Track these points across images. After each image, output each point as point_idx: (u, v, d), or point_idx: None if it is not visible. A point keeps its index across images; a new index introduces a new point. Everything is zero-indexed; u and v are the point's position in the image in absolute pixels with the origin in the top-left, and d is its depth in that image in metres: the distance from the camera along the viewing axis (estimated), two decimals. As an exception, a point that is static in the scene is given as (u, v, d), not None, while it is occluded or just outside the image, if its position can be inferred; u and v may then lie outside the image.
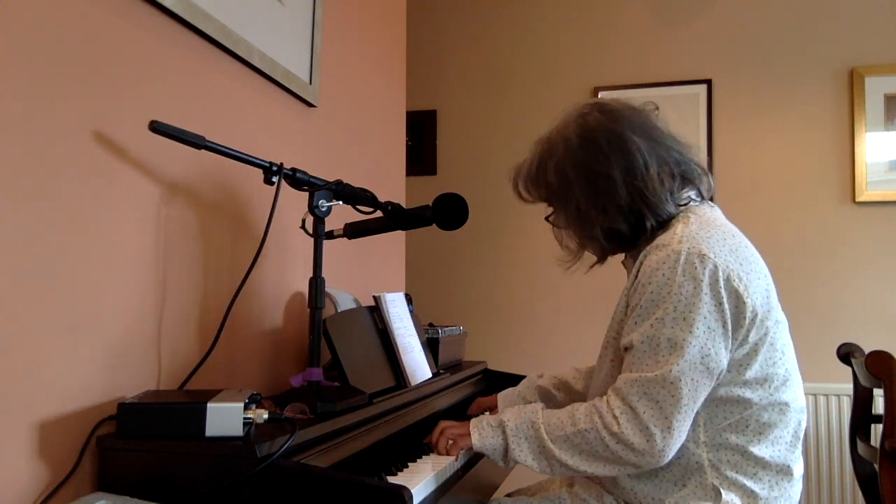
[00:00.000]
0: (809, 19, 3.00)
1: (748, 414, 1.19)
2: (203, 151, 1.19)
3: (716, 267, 1.15)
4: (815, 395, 2.80)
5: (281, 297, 1.62)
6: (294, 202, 1.48)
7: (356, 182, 1.45)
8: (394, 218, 1.46)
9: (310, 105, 1.78)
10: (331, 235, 1.38)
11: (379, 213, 1.45)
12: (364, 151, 2.16)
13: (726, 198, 2.97)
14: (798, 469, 1.24)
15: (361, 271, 2.08)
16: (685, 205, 1.28)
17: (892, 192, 2.90)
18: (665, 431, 1.14)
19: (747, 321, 1.16)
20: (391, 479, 1.11)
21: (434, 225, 1.47)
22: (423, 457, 1.30)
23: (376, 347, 1.55)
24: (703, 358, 1.14)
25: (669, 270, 1.16)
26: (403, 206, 1.49)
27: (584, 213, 1.29)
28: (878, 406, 2.05)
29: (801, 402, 1.25)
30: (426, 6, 3.36)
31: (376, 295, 1.61)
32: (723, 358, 1.15)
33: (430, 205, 1.47)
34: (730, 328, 1.15)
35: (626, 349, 1.22)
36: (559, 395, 1.61)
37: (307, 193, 1.29)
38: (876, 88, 2.92)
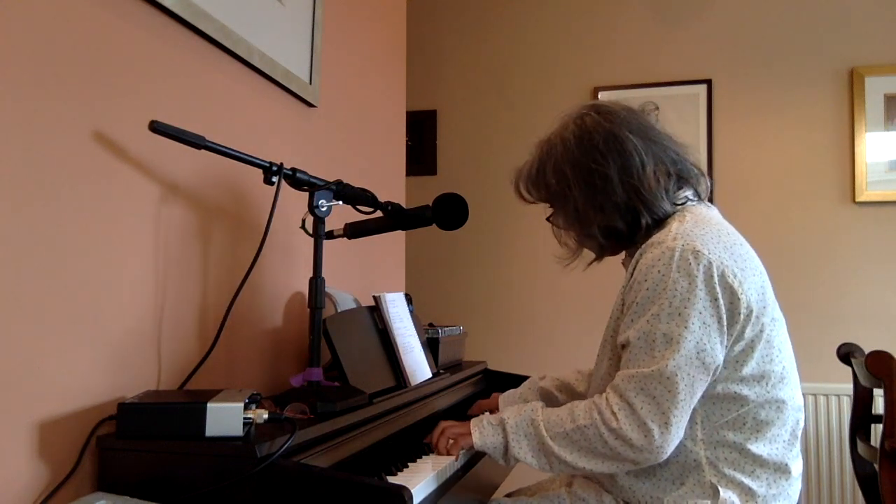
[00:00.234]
0: (809, 19, 3.00)
1: (745, 411, 1.20)
2: (203, 151, 1.19)
3: (710, 263, 1.16)
4: (815, 395, 2.80)
5: (281, 297, 1.62)
6: (294, 202, 1.48)
7: (356, 182, 1.45)
8: (394, 218, 1.46)
9: (310, 105, 1.78)
10: (331, 235, 1.38)
11: (379, 213, 1.45)
12: (364, 151, 2.16)
13: (726, 198, 2.97)
14: (796, 468, 1.24)
15: (361, 271, 2.08)
16: (682, 204, 1.29)
17: (892, 192, 2.90)
18: (663, 427, 1.15)
19: (742, 317, 1.17)
20: (391, 479, 1.11)
21: (434, 225, 1.47)
22: (423, 457, 1.30)
23: (376, 347, 1.55)
24: (698, 353, 1.15)
25: (664, 267, 1.17)
26: (403, 206, 1.49)
27: (583, 212, 1.31)
28: (878, 406, 2.05)
29: (798, 400, 1.26)
30: (426, 6, 3.36)
31: (376, 295, 1.61)
32: (718, 353, 1.16)
33: (430, 205, 1.47)
34: (725, 324, 1.16)
35: (622, 346, 1.23)
36: (561, 397, 1.61)
37: (307, 193, 1.30)
38: (876, 88, 2.92)
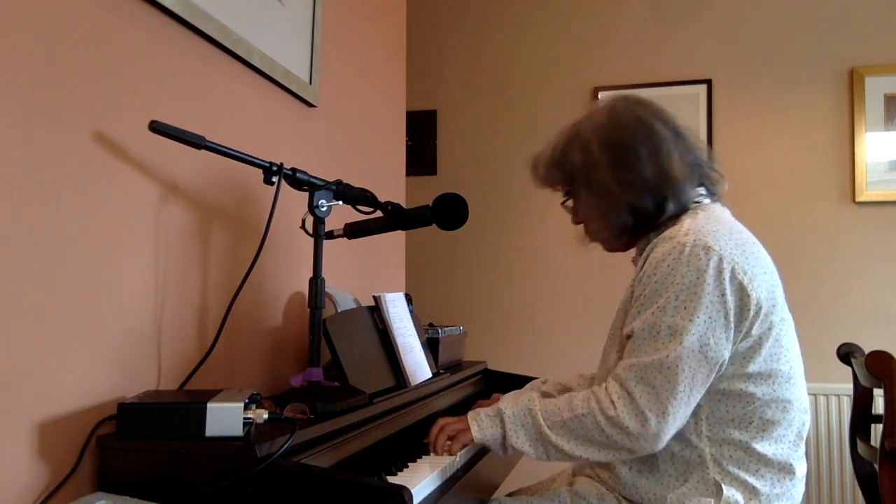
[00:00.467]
0: (809, 19, 3.00)
1: (751, 409, 1.20)
2: (203, 151, 1.18)
3: (720, 259, 1.16)
4: (815, 395, 2.80)
5: (281, 297, 1.62)
6: (294, 202, 1.48)
7: (356, 182, 1.45)
8: (394, 218, 1.46)
9: (310, 105, 1.78)
10: (331, 235, 1.38)
11: (379, 213, 1.45)
12: (364, 151, 2.16)
13: (726, 198, 2.97)
14: (801, 469, 1.24)
15: (361, 271, 2.08)
16: (697, 202, 1.30)
17: (892, 192, 2.90)
18: (660, 416, 1.15)
19: (751, 314, 1.17)
20: (391, 479, 1.11)
21: (434, 225, 1.47)
22: (423, 457, 1.30)
23: (376, 347, 1.55)
24: (701, 346, 1.15)
25: (674, 261, 1.18)
26: (403, 206, 1.49)
27: (610, 189, 1.29)
28: (878, 406, 2.05)
29: (805, 402, 1.26)
30: (426, 6, 3.36)
31: (376, 295, 1.61)
32: (723, 348, 1.16)
33: (430, 205, 1.47)
34: (732, 319, 1.16)
35: (628, 337, 1.23)
36: None
37: (307, 193, 1.30)
38: (876, 88, 2.92)
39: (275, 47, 1.59)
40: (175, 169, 1.27)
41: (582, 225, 1.42)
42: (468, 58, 3.39)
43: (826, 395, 2.81)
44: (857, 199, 2.91)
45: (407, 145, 2.65)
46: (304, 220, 1.34)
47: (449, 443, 1.32)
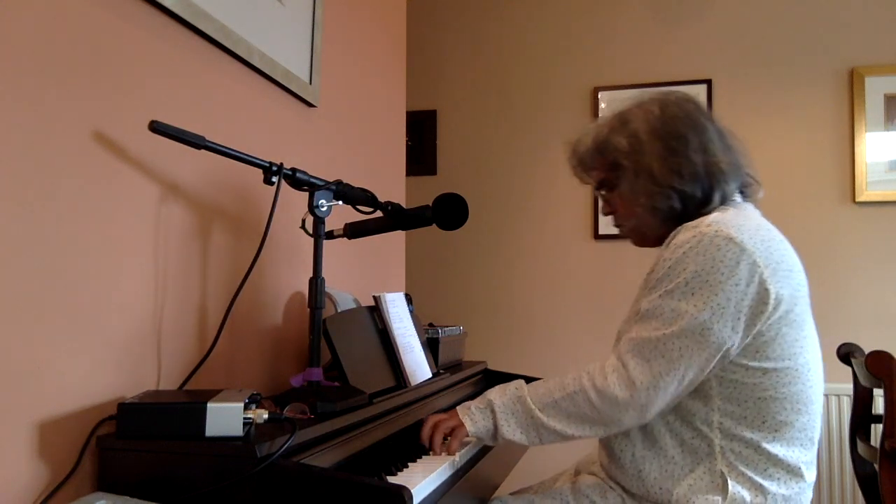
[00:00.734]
0: (809, 19, 3.00)
1: (765, 408, 1.19)
2: (203, 151, 1.18)
3: (742, 250, 1.16)
4: (815, 395, 2.80)
5: (281, 297, 1.62)
6: (294, 202, 1.48)
7: (356, 182, 1.45)
8: (394, 218, 1.46)
9: (310, 105, 1.78)
10: (331, 235, 1.38)
11: (379, 213, 1.45)
12: (364, 151, 2.16)
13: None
14: (810, 475, 1.23)
15: (361, 271, 2.08)
16: (732, 200, 1.31)
17: (892, 192, 2.90)
18: (650, 388, 1.17)
19: (769, 308, 1.16)
20: (391, 479, 1.11)
21: (434, 225, 1.47)
22: (423, 456, 1.30)
23: (376, 347, 1.55)
24: (703, 331, 1.15)
25: (691, 248, 1.18)
26: (403, 206, 1.49)
27: (658, 175, 1.28)
28: (878, 406, 2.05)
29: (818, 406, 1.25)
30: (426, 6, 3.36)
31: (376, 295, 1.61)
32: (727, 336, 1.15)
33: (430, 205, 1.47)
34: (745, 311, 1.16)
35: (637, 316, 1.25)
36: None
37: (307, 193, 1.30)
38: (876, 88, 2.92)
39: (275, 47, 1.59)
40: (175, 169, 1.27)
41: (613, 216, 1.41)
42: (468, 58, 3.39)
43: (826, 395, 2.81)
44: (857, 199, 2.91)
45: (407, 145, 2.65)
46: (304, 220, 1.34)
47: (446, 441, 1.32)
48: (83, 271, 1.06)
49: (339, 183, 1.35)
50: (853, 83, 2.94)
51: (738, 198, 1.32)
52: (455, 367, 2.03)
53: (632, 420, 1.21)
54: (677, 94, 1.36)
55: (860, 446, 2.15)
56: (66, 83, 1.04)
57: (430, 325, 2.08)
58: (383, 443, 1.31)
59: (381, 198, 1.45)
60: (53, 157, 1.01)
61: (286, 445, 0.97)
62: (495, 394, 1.33)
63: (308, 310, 1.29)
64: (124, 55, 1.16)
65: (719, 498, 1.18)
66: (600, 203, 1.43)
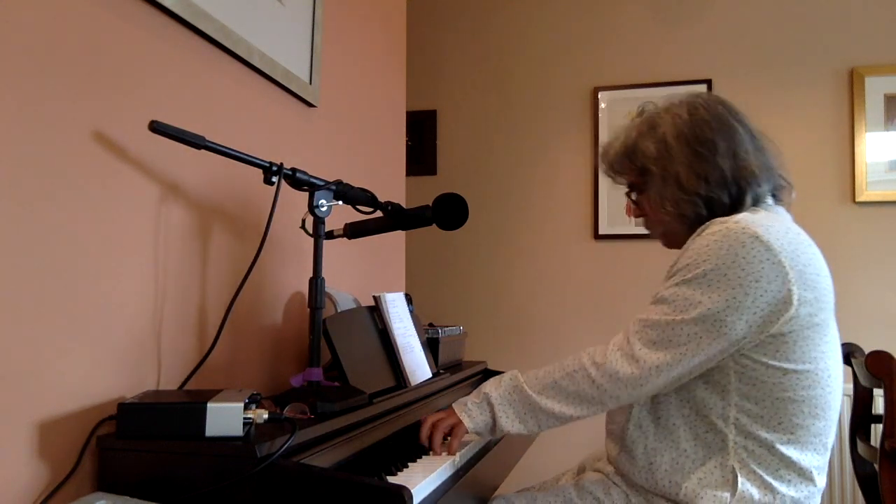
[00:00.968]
0: (809, 19, 3.00)
1: (783, 410, 1.18)
2: (203, 151, 1.19)
3: (768, 249, 1.14)
4: (815, 395, 2.80)
5: (281, 297, 1.62)
6: (294, 202, 1.48)
7: (356, 182, 1.45)
8: (394, 218, 1.46)
9: (310, 105, 1.78)
10: (331, 235, 1.38)
11: (379, 213, 1.45)
12: (364, 151, 2.16)
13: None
14: (821, 480, 1.22)
15: (361, 271, 2.08)
16: (764, 202, 1.30)
17: (892, 192, 2.90)
18: (652, 367, 1.18)
19: (792, 309, 1.14)
20: (391, 479, 1.11)
21: (434, 225, 1.47)
22: (423, 456, 1.30)
23: (376, 347, 1.55)
24: (714, 321, 1.15)
25: (715, 242, 1.17)
26: (403, 206, 1.49)
27: (685, 182, 1.28)
28: (878, 406, 2.05)
29: (835, 413, 1.23)
30: (426, 6, 3.37)
31: (376, 295, 1.61)
32: (740, 330, 1.14)
33: (430, 205, 1.47)
34: (762, 307, 1.14)
35: None
36: None
37: (307, 193, 1.30)
38: (876, 88, 2.92)
39: (275, 47, 1.59)
40: (175, 169, 1.27)
41: (643, 221, 1.41)
42: (468, 58, 3.39)
43: (826, 395, 2.81)
44: (857, 199, 2.91)
45: (407, 145, 2.65)
46: (304, 220, 1.34)
47: (446, 441, 1.32)
48: (83, 271, 1.06)
49: (339, 183, 1.35)
50: (853, 83, 2.94)
51: (770, 201, 1.31)
52: (455, 367, 2.03)
53: (629, 397, 1.21)
54: (707, 97, 1.35)
55: (860, 446, 2.15)
56: (66, 83, 1.04)
57: (430, 325, 2.08)
58: (383, 443, 1.31)
59: (381, 198, 1.45)
60: (53, 157, 1.01)
61: (286, 445, 0.97)
62: (490, 386, 1.33)
63: (308, 310, 1.29)
64: (124, 55, 1.16)
65: (728, 494, 1.18)
66: (630, 206, 1.42)
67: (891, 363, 1.91)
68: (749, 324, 1.14)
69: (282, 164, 1.26)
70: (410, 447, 1.34)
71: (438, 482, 1.20)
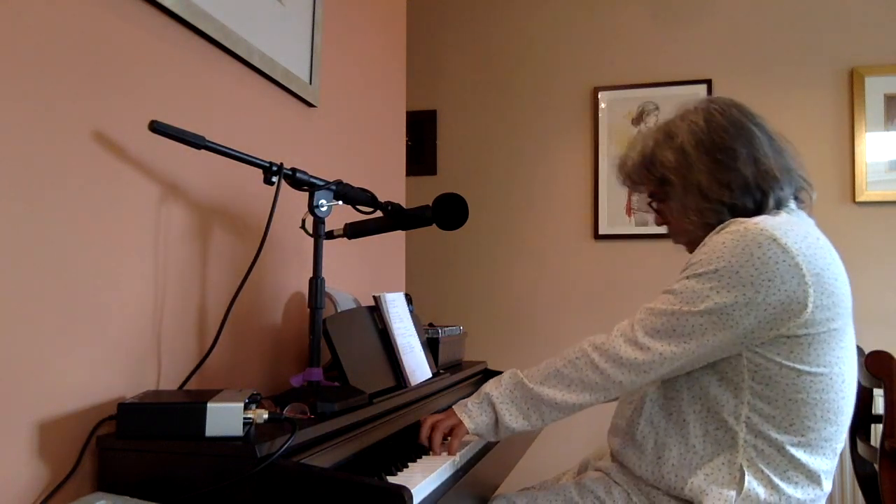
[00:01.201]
0: (809, 19, 3.01)
1: (795, 411, 1.18)
2: (203, 151, 1.19)
3: (783, 251, 1.14)
4: (815, 395, 2.79)
5: (281, 297, 1.62)
6: (294, 202, 1.48)
7: (356, 182, 1.45)
8: (394, 218, 1.46)
9: (310, 105, 1.78)
10: (331, 235, 1.38)
11: (379, 213, 1.45)
12: (364, 151, 2.16)
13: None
14: (827, 484, 1.22)
15: (361, 271, 2.08)
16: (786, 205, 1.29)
17: (892, 192, 2.90)
18: (654, 354, 1.18)
19: (808, 312, 1.14)
20: (391, 479, 1.11)
21: (434, 225, 1.47)
22: (423, 456, 1.30)
23: (376, 347, 1.55)
24: (721, 315, 1.15)
25: (731, 241, 1.17)
26: (403, 206, 1.49)
27: (708, 190, 1.27)
28: (878, 406, 2.05)
29: (847, 419, 1.23)
30: (426, 6, 3.37)
31: (376, 295, 1.61)
32: (747, 326, 1.14)
33: (430, 205, 1.47)
34: (774, 306, 1.13)
35: None
36: None
37: (307, 193, 1.30)
38: (876, 88, 2.92)
39: (275, 47, 1.59)
40: (175, 169, 1.27)
41: (667, 226, 1.40)
42: (468, 58, 3.39)
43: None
44: (857, 199, 2.91)
45: (407, 145, 2.65)
46: (304, 220, 1.34)
47: (446, 441, 1.32)
48: (83, 271, 1.06)
49: (339, 183, 1.35)
50: (853, 83, 2.94)
51: (792, 204, 1.31)
52: (455, 367, 2.03)
53: (631, 383, 1.21)
54: (721, 101, 1.33)
55: (860, 446, 2.15)
56: (66, 83, 1.04)
57: (430, 325, 2.08)
58: (383, 443, 1.31)
59: (381, 198, 1.45)
60: (53, 157, 1.01)
61: (286, 445, 0.97)
62: (491, 386, 1.33)
63: (308, 310, 1.29)
64: (124, 55, 1.16)
65: (734, 493, 1.17)
66: (653, 215, 1.42)
67: (891, 363, 1.91)
68: (758, 319, 1.14)
69: (282, 164, 1.26)
70: (410, 447, 1.34)
71: (438, 482, 1.20)
